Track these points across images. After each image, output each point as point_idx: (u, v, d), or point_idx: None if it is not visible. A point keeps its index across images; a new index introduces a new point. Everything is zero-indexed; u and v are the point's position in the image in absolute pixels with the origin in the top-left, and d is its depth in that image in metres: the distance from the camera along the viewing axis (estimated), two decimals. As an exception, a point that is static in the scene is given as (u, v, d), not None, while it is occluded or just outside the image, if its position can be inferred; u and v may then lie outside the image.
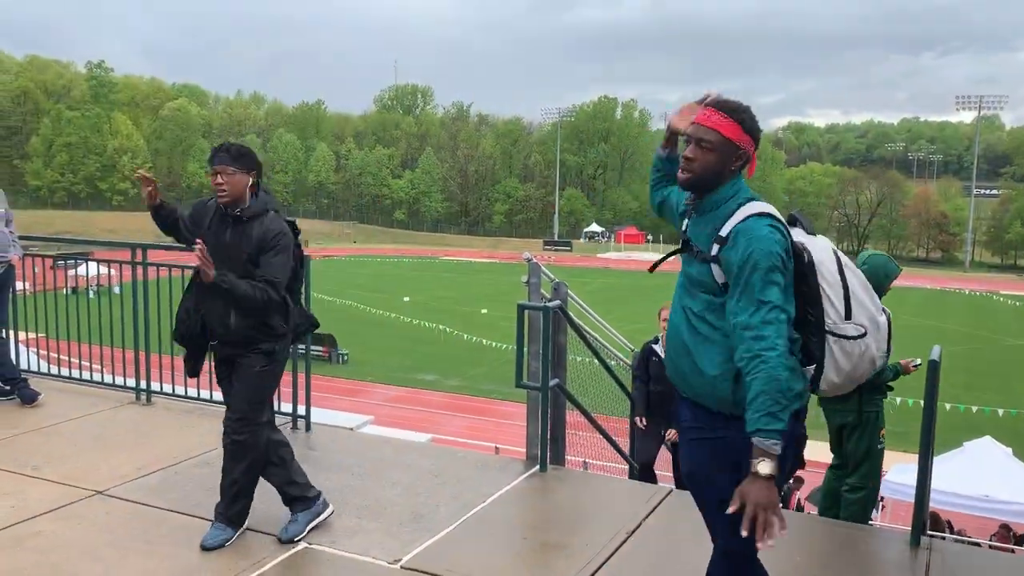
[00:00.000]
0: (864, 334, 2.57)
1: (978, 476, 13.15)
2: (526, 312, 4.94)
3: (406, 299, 48.56)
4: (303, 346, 5.53)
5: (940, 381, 3.97)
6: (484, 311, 43.28)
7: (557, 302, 5.12)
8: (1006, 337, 41.87)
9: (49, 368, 6.89)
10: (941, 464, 12.49)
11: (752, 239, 2.42)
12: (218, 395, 5.91)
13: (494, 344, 33.19)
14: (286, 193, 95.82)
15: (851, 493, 5.02)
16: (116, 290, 6.61)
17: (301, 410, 5.59)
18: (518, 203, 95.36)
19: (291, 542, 3.83)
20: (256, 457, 3.78)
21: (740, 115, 2.52)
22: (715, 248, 2.50)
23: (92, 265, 11.14)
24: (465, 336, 37.19)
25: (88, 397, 6.26)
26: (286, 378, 5.10)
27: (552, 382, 5.00)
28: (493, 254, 79.27)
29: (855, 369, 2.59)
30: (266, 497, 3.98)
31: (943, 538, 7.21)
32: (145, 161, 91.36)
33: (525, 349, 4.96)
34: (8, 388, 6.05)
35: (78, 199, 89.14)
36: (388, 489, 4.58)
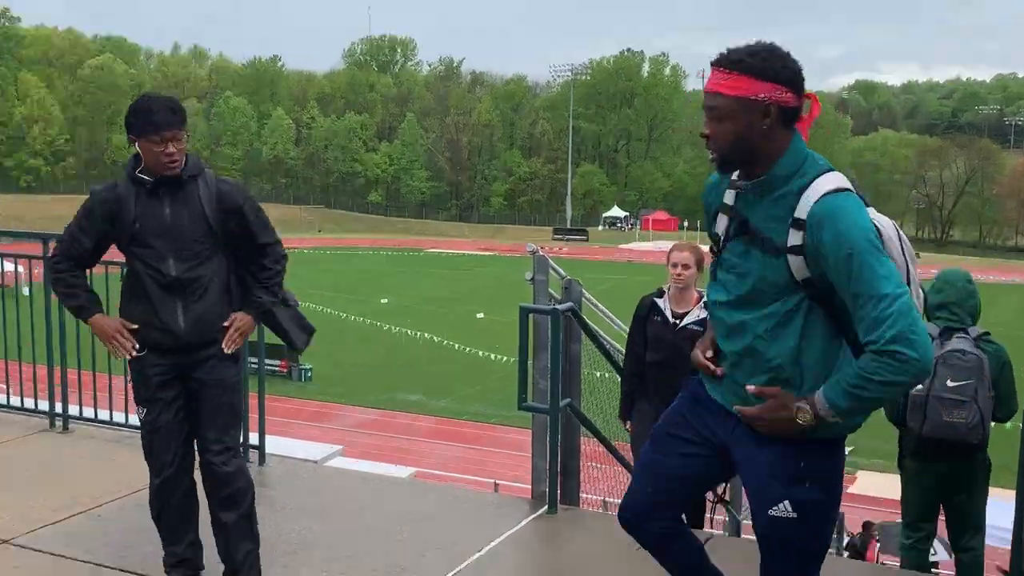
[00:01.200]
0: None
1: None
2: (531, 316, 4.95)
3: (384, 301, 48.67)
4: (254, 359, 5.53)
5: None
6: (480, 315, 43.38)
7: (569, 304, 5.12)
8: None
9: (-57, 388, 6.90)
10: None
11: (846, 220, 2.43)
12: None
13: (492, 356, 33.26)
14: (235, 171, 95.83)
15: (973, 550, 5.13)
16: (25, 291, 6.62)
17: (254, 439, 5.58)
18: (522, 182, 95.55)
19: None
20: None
21: (747, 63, 2.49)
22: (795, 236, 2.48)
23: (-5, 261, 11.12)
24: (456, 346, 37.28)
25: (-9, 424, 6.27)
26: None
27: (563, 402, 5.00)
28: (491, 245, 79.46)
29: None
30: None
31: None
32: (61, 132, 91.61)
33: (530, 362, 4.97)
34: None
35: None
36: (361, 537, 4.59)
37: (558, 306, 4.99)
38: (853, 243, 2.36)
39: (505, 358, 30.83)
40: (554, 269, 5.36)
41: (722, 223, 2.69)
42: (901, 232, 2.64)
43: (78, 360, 6.19)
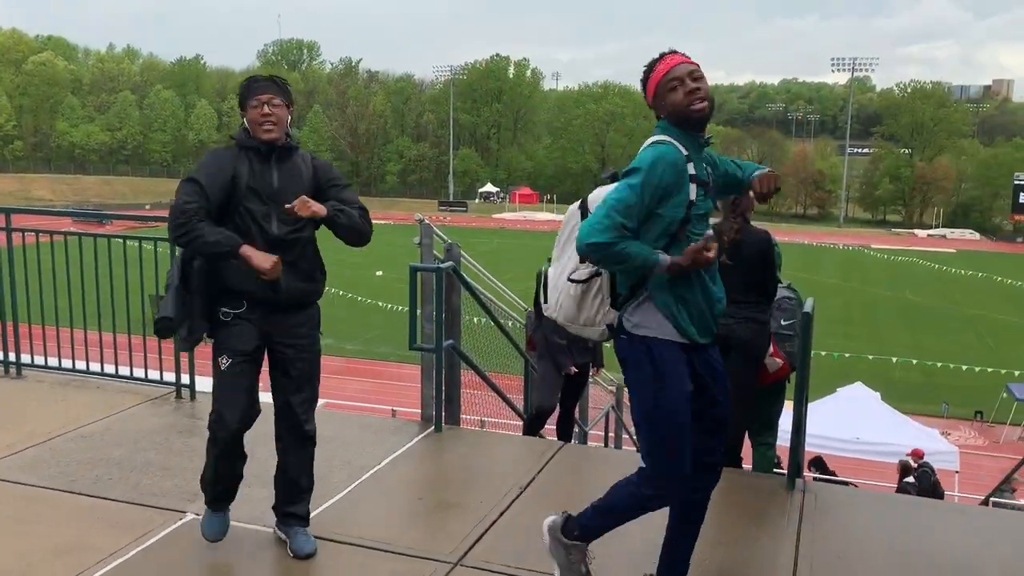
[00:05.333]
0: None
1: (850, 419, 14.06)
2: (419, 274, 4.92)
3: (297, 262, 47.37)
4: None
5: (815, 330, 4.19)
6: (379, 273, 42.77)
7: (450, 263, 5.10)
8: (876, 288, 44.60)
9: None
10: (815, 408, 13.30)
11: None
12: (95, 366, 5.67)
13: (390, 306, 32.93)
14: (165, 153, 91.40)
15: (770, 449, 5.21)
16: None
17: (185, 379, 5.41)
18: (412, 163, 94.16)
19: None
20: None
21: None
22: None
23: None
24: (359, 299, 36.73)
25: (-50, 372, 5.86)
26: (165, 346, 4.91)
27: (446, 343, 5.00)
28: (387, 215, 77.67)
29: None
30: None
31: (814, 479, 7.66)
32: (8, 119, 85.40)
33: (418, 311, 4.95)
34: None
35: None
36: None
37: (441, 265, 4.97)
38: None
39: (401, 308, 30.59)
40: (438, 235, 5.31)
41: (693, 190, 2.75)
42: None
43: (28, 314, 5.85)
